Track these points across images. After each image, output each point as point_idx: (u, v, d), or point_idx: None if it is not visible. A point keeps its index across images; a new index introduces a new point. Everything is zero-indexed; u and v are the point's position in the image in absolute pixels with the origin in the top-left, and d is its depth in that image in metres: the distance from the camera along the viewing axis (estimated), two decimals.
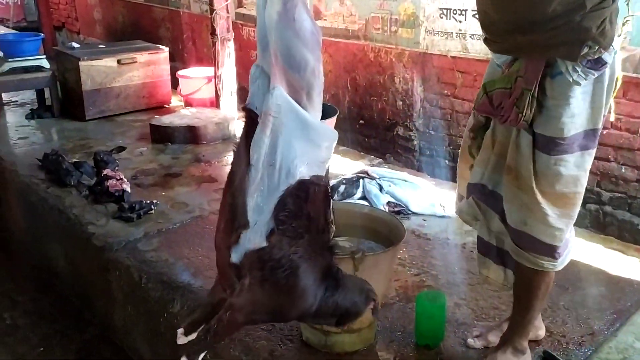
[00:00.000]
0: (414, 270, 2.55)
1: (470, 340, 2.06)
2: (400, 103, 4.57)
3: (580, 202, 1.75)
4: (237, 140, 1.63)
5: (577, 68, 1.56)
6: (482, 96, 1.75)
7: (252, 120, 1.54)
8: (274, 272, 1.53)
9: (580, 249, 2.71)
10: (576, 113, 1.60)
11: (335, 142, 1.59)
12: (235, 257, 1.55)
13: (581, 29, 1.51)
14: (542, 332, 2.09)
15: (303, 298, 1.58)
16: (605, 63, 1.57)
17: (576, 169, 1.66)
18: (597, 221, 3.33)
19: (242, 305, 1.57)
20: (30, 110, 4.77)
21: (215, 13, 4.20)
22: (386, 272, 2.05)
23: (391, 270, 2.17)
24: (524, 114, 1.60)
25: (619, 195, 3.15)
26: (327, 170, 1.60)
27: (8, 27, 8.98)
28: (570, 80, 1.57)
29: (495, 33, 1.72)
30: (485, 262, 1.94)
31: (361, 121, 4.61)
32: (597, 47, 1.53)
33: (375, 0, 4.40)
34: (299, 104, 1.49)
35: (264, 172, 1.46)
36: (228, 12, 4.30)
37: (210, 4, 4.25)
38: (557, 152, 1.63)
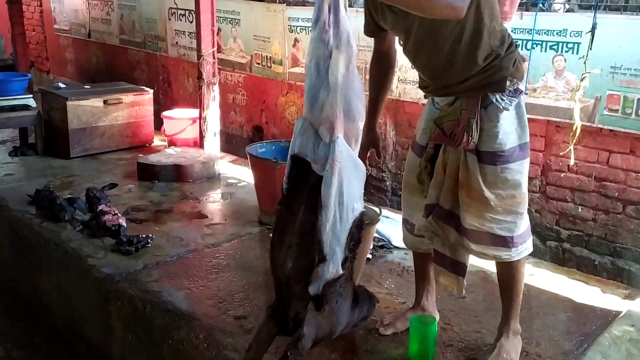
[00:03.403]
0: (401, 299, 2.77)
1: (381, 329, 2.42)
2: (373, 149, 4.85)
3: (526, 200, 2.15)
4: (284, 186, 1.88)
5: (504, 97, 2.03)
6: (434, 129, 2.13)
7: (303, 167, 1.82)
8: (338, 296, 1.80)
9: (547, 280, 3.01)
10: (508, 131, 2.05)
11: None
12: (313, 289, 1.78)
13: (502, 69, 2.00)
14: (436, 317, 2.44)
15: (345, 317, 1.86)
16: (522, 91, 2.06)
17: (518, 174, 2.08)
18: (557, 257, 3.63)
19: (310, 333, 1.80)
20: (13, 147, 4.85)
21: (203, 58, 4.44)
22: (362, 251, 2.47)
23: (365, 251, 2.69)
24: (472, 137, 2.02)
25: (577, 233, 3.46)
26: None
27: None
28: (501, 107, 2.03)
29: (435, 89, 2.17)
30: (440, 272, 2.27)
31: None
32: (514, 80, 2.02)
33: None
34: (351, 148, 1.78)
35: (336, 210, 1.70)
36: (214, 58, 4.55)
37: (198, 49, 4.49)
38: (501, 162, 2.05)
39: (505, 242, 2.12)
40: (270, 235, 2.04)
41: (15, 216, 3.66)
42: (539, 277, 3.03)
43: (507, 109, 2.02)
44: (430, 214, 2.19)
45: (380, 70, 2.31)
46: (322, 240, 1.72)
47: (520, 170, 2.10)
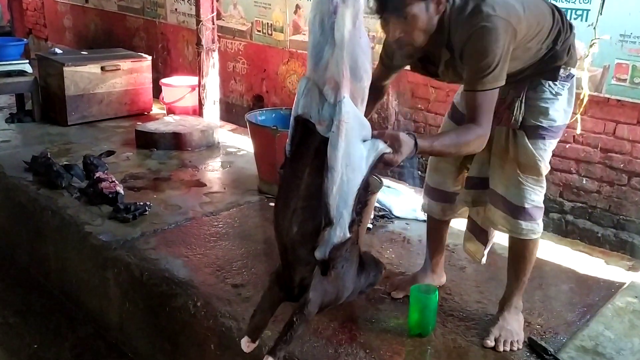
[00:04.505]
0: (401, 269, 2.74)
1: (393, 293, 2.47)
2: (376, 116, 4.79)
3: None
4: (287, 149, 1.81)
5: (556, 84, 2.04)
6: None
7: (307, 129, 1.74)
8: (344, 260, 1.76)
9: (550, 251, 2.97)
10: (558, 109, 2.06)
11: None
12: (320, 253, 1.72)
13: (557, 59, 2.01)
14: (443, 279, 2.58)
15: (352, 282, 1.82)
16: (574, 76, 2.08)
17: (550, 151, 2.13)
18: (560, 229, 3.59)
19: (317, 298, 1.76)
20: (9, 114, 4.78)
21: (202, 24, 4.34)
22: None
23: (365, 220, 2.64)
24: (515, 115, 2.04)
25: (580, 205, 3.41)
26: None
27: None
28: (553, 92, 2.04)
29: None
30: (470, 238, 2.37)
31: None
32: (568, 68, 2.04)
33: None
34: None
35: (343, 172, 1.64)
36: (214, 24, 4.45)
37: (197, 15, 4.38)
38: (549, 137, 2.08)
39: (530, 214, 2.12)
40: (270, 204, 1.99)
41: (11, 182, 3.61)
42: (542, 247, 2.98)
43: (560, 94, 2.03)
44: (473, 187, 2.23)
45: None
46: (329, 203, 1.66)
47: (554, 147, 2.14)
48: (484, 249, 2.34)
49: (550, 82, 2.03)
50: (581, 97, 3.01)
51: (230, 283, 2.56)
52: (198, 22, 4.37)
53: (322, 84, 1.70)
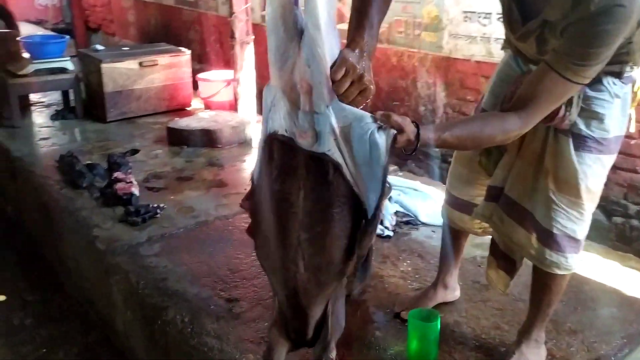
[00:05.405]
0: (415, 284, 2.45)
1: (403, 313, 2.16)
2: (423, 108, 4.48)
3: (596, 202, 1.79)
4: (255, 176, 1.57)
5: (616, 82, 1.64)
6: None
7: (285, 148, 1.46)
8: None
9: (594, 266, 2.58)
10: (613, 117, 1.67)
11: None
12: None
13: (629, 53, 1.59)
14: (457, 293, 2.29)
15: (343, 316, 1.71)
16: (635, 79, 1.69)
17: (604, 169, 1.72)
18: (623, 235, 3.19)
19: (336, 338, 1.65)
20: (55, 111, 4.85)
21: (235, 16, 4.18)
22: None
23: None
24: (570, 113, 1.62)
25: None
26: None
27: (47, 28, 9.23)
28: (612, 94, 1.65)
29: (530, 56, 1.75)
30: (492, 263, 1.97)
31: None
32: (633, 66, 1.65)
33: (399, 3, 4.31)
34: None
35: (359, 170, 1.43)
36: (248, 16, 4.27)
37: (230, 6, 4.23)
38: (598, 151, 1.68)
39: (578, 247, 1.78)
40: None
41: (38, 182, 3.61)
42: (584, 261, 2.61)
43: (619, 97, 1.65)
44: (494, 199, 1.86)
45: None
46: (362, 197, 1.43)
47: (608, 165, 1.74)
48: (509, 279, 1.94)
49: (611, 80, 1.63)
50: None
51: (224, 297, 2.38)
52: (231, 13, 4.21)
53: (291, 89, 1.42)
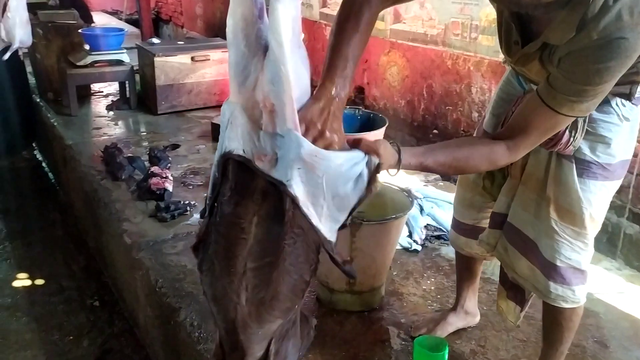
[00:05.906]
0: (436, 305, 2.32)
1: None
2: (476, 115, 4.28)
3: (597, 229, 1.67)
4: (208, 200, 1.48)
5: (626, 104, 1.53)
6: None
7: (242, 169, 1.37)
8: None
9: (633, 298, 2.36)
10: (620, 142, 1.56)
11: None
12: None
13: (638, 73, 1.47)
14: (477, 318, 2.16)
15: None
16: None
17: (609, 196, 1.61)
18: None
19: None
20: (111, 101, 4.98)
21: None
22: (385, 243, 2.20)
23: (392, 243, 2.26)
24: (575, 138, 1.52)
25: None
26: None
27: (121, 19, 9.53)
28: (620, 116, 1.53)
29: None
30: (501, 293, 1.88)
31: (435, 131, 4.37)
32: None
33: (456, 4, 4.14)
34: None
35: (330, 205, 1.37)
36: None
37: None
38: (603, 178, 1.57)
39: (585, 279, 1.67)
40: None
41: (82, 172, 3.70)
42: (609, 285, 2.41)
43: (628, 120, 1.54)
44: (498, 226, 1.76)
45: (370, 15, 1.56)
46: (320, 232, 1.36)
47: (613, 192, 1.62)
48: (520, 311, 1.82)
49: (620, 101, 1.51)
50: None
51: None
52: None
53: (252, 107, 1.34)
